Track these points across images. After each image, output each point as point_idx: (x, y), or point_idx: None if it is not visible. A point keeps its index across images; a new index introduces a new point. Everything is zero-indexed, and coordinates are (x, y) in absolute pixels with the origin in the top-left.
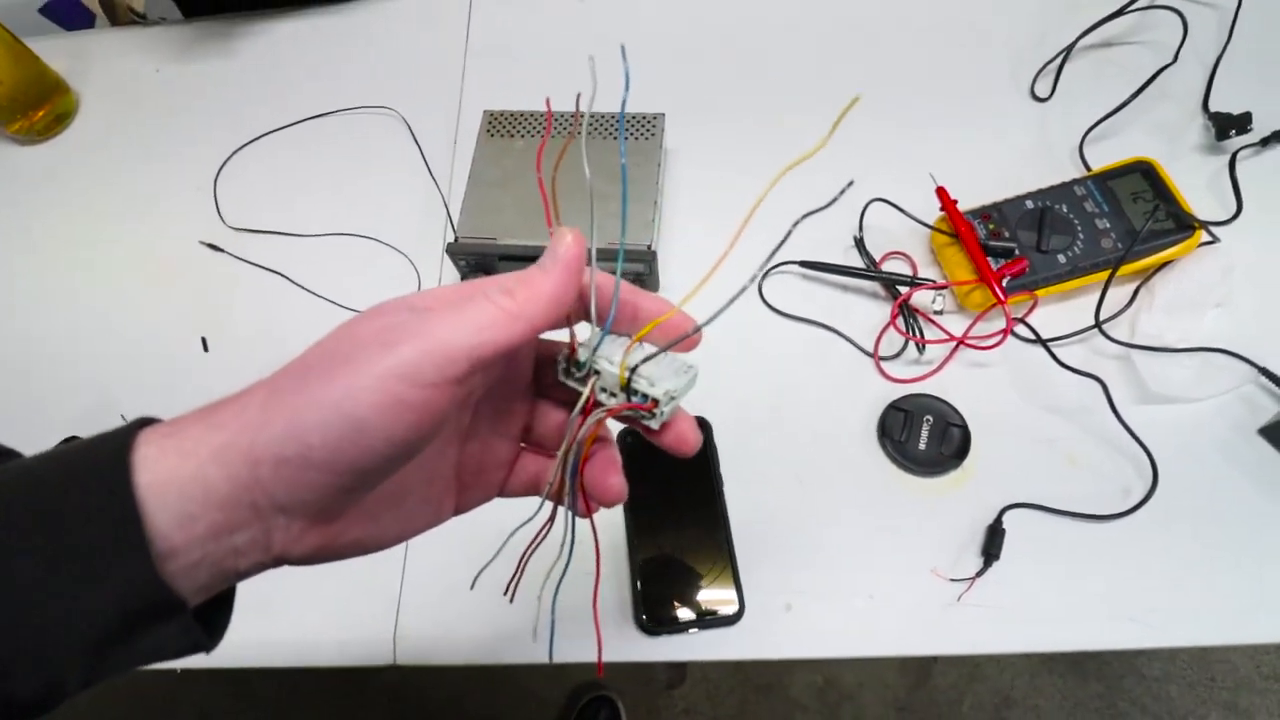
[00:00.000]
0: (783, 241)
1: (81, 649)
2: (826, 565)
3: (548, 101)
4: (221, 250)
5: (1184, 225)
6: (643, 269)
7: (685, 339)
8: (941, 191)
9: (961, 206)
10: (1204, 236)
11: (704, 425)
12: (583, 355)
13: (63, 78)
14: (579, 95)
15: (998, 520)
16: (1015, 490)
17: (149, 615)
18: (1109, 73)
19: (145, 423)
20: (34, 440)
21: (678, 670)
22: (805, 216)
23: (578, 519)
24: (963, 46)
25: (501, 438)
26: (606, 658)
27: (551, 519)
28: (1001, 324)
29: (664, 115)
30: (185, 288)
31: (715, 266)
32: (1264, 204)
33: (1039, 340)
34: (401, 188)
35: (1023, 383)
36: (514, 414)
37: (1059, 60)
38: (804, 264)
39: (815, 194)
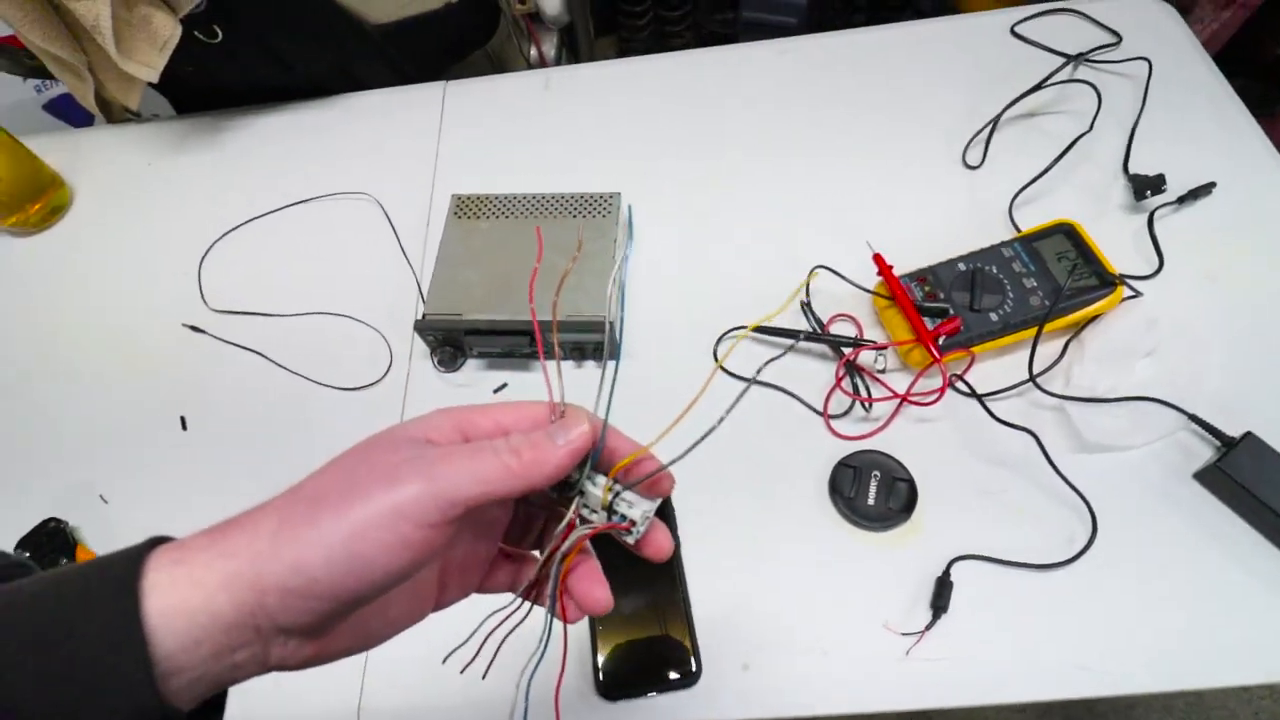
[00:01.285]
0: (730, 408)
1: None
2: (782, 622)
3: (538, 231)
4: (203, 332)
5: (1106, 281)
6: (600, 338)
7: (655, 475)
8: (878, 258)
9: (900, 270)
10: (1127, 291)
11: None
12: (572, 477)
13: (58, 173)
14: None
15: (945, 573)
16: (962, 542)
17: None
18: (1034, 140)
19: (157, 542)
20: (16, 521)
21: None
22: (748, 387)
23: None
24: (901, 122)
25: (483, 541)
26: None
27: (527, 611)
28: (940, 380)
29: (620, 194)
30: (167, 369)
31: (684, 413)
32: (1183, 259)
33: (975, 395)
34: (376, 268)
35: (965, 437)
36: (497, 520)
37: (988, 131)
38: (756, 328)
39: (765, 264)
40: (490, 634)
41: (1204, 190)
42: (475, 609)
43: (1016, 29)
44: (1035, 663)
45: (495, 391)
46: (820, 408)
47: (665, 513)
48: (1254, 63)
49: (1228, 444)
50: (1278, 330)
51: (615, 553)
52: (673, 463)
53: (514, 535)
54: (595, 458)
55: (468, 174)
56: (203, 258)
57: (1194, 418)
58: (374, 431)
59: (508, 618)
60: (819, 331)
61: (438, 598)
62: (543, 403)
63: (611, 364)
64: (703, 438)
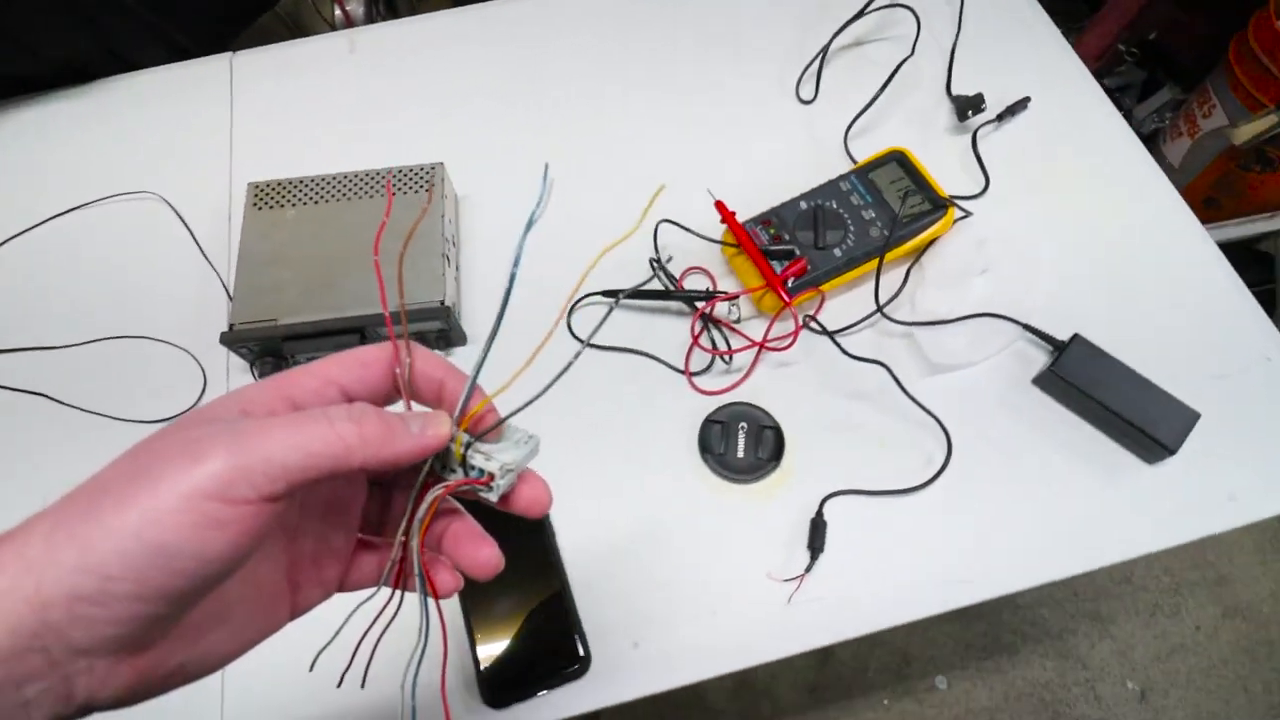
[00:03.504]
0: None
1: None
2: (666, 592)
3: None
4: None
5: (938, 205)
6: (440, 324)
7: (499, 425)
8: (719, 205)
9: (745, 215)
10: (958, 213)
11: None
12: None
13: None
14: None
15: (818, 513)
16: (831, 480)
17: None
18: (863, 69)
19: None
20: None
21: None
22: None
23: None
24: (733, 60)
25: (335, 529)
26: None
27: (393, 600)
28: (795, 324)
29: (443, 164)
30: None
31: (525, 365)
32: (1006, 175)
33: (826, 333)
34: (173, 277)
35: (823, 376)
36: (349, 503)
37: (817, 63)
38: (605, 293)
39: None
40: (364, 635)
41: (1020, 106)
42: (340, 606)
43: None
44: (913, 583)
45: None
46: (681, 366)
47: None
48: None
49: (1059, 348)
50: (1096, 235)
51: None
52: (513, 414)
53: (373, 521)
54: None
55: (269, 158)
56: None
57: (1027, 327)
58: None
59: (379, 613)
60: (670, 289)
61: (292, 600)
62: (377, 345)
63: (464, 351)
64: (539, 394)
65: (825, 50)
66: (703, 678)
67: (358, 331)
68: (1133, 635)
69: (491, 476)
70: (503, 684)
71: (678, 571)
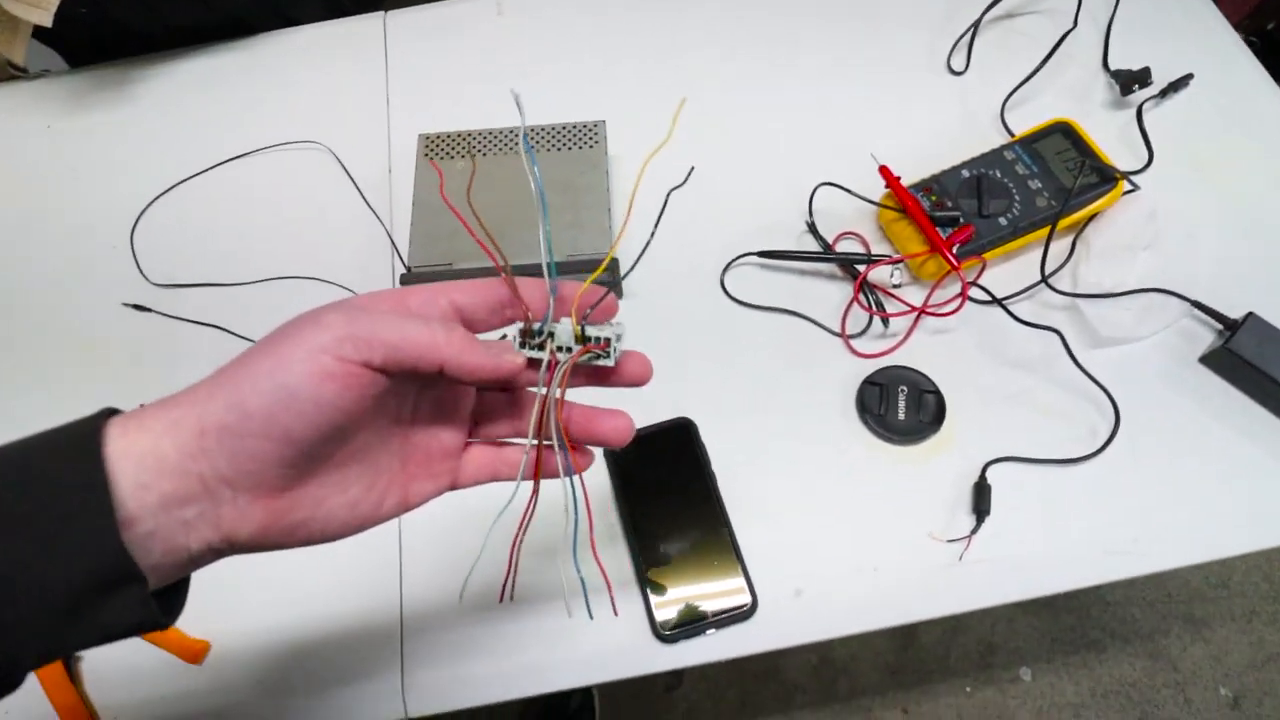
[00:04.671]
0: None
1: (45, 616)
2: (828, 545)
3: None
4: (149, 310)
5: (1107, 178)
6: (610, 276)
7: (603, 301)
8: (885, 170)
9: (903, 183)
10: (1125, 186)
11: (688, 424)
12: (537, 325)
13: None
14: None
15: (982, 477)
16: (993, 446)
17: (110, 584)
18: (1016, 42)
19: (112, 412)
20: None
21: (674, 673)
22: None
23: (570, 478)
24: (879, 31)
25: (447, 426)
26: (629, 672)
27: (535, 497)
28: (955, 290)
29: (604, 122)
30: (113, 356)
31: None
32: (1171, 149)
33: (995, 300)
34: (338, 223)
35: (985, 343)
36: (458, 403)
37: (969, 35)
38: (762, 254)
39: (760, 184)
40: (512, 550)
41: (1182, 82)
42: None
43: None
44: (1074, 552)
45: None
46: (838, 329)
47: (696, 450)
48: None
49: (1231, 326)
50: (1265, 214)
51: (651, 497)
52: (608, 292)
53: (484, 415)
54: (551, 306)
55: (424, 112)
56: (133, 227)
57: (1197, 304)
58: None
59: (522, 523)
60: (830, 251)
61: (405, 489)
62: (498, 280)
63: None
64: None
65: (977, 23)
66: (867, 629)
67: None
68: (1228, 640)
69: (608, 341)
70: (672, 620)
71: (838, 527)
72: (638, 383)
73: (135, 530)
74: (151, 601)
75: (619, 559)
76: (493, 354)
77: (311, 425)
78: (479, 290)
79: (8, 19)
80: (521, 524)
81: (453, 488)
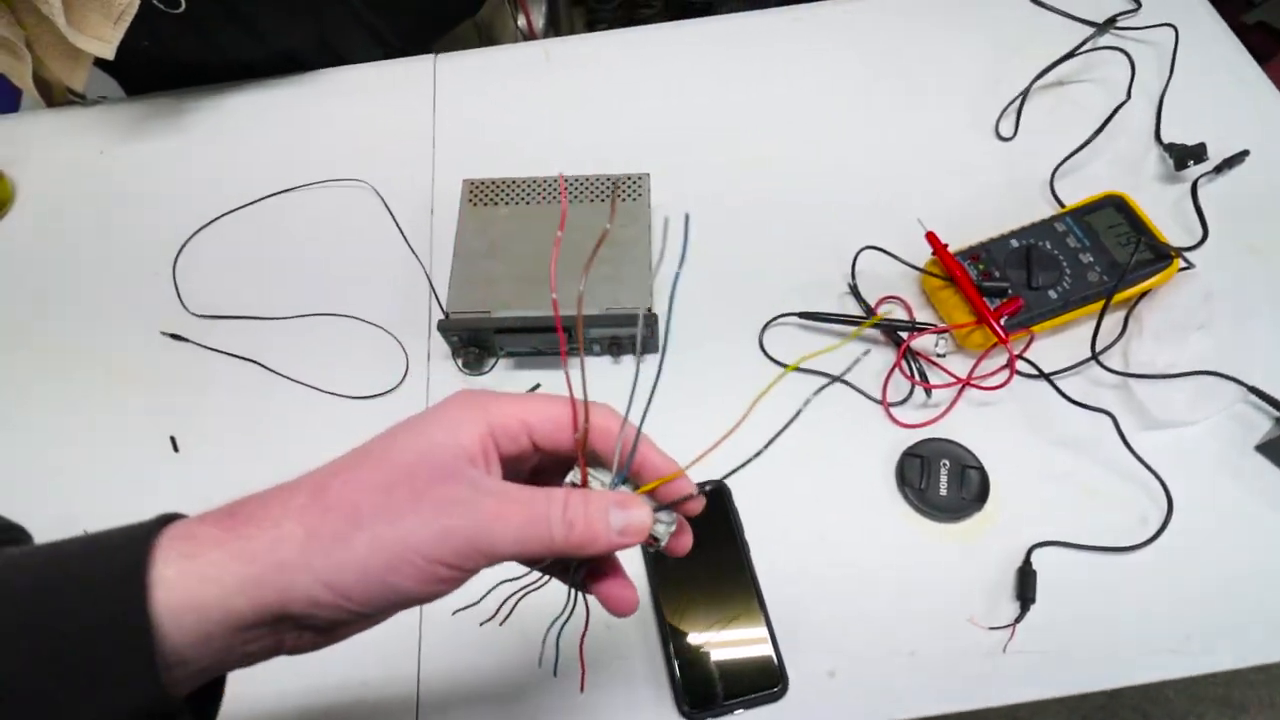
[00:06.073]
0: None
1: None
2: (864, 623)
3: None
4: (186, 340)
5: (1161, 255)
6: (646, 333)
7: (686, 500)
8: (931, 236)
9: (949, 249)
10: (1180, 264)
11: (723, 489)
12: (595, 486)
13: None
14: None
15: (1027, 561)
16: (1039, 529)
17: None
18: (1066, 111)
19: (165, 520)
20: None
21: None
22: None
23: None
24: (926, 93)
25: None
26: None
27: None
28: (1000, 362)
29: (648, 175)
30: (148, 384)
31: (727, 435)
32: (1226, 228)
33: (1044, 376)
34: (378, 263)
35: (1031, 419)
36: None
37: (1018, 102)
38: (803, 315)
39: (801, 245)
40: (510, 596)
41: (1238, 159)
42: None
43: None
44: (1122, 649)
45: (529, 392)
46: (876, 395)
47: (729, 517)
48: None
49: None
50: None
51: (682, 566)
52: (715, 483)
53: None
54: (622, 476)
55: (470, 157)
56: (176, 256)
57: (1253, 389)
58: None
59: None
60: (873, 316)
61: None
62: (564, 399)
63: (653, 359)
64: (748, 460)
65: (1027, 90)
66: (900, 717)
67: (567, 330)
68: None
69: (656, 540)
70: (699, 696)
71: (875, 605)
72: (673, 555)
73: (187, 669)
74: None
75: (647, 629)
76: (615, 535)
77: (407, 607)
78: (553, 432)
79: (70, 48)
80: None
81: None
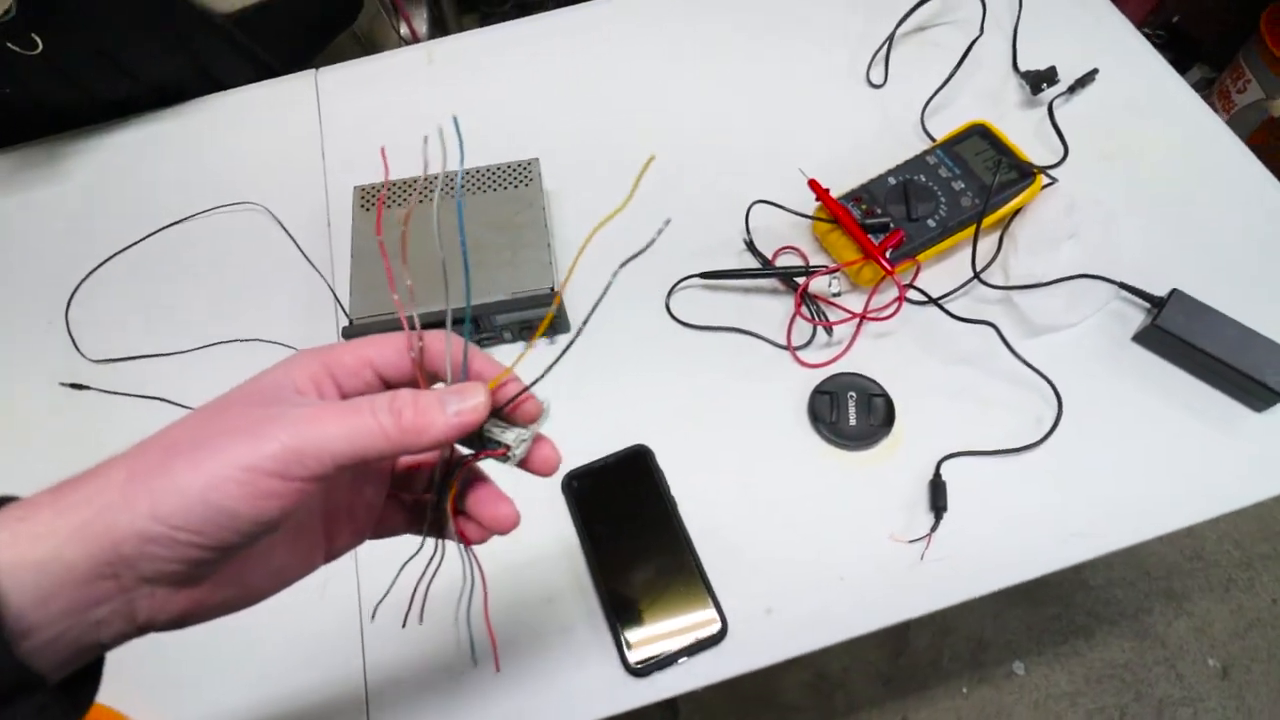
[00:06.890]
0: (601, 296)
1: None
2: (793, 559)
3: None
4: (86, 387)
5: (1025, 173)
6: (552, 311)
7: (522, 400)
8: (814, 183)
9: (833, 193)
10: (1044, 180)
11: (644, 451)
12: None
13: None
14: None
15: (936, 474)
16: (944, 443)
17: (5, 695)
18: (929, 53)
19: (3, 502)
20: None
21: (669, 707)
22: (624, 263)
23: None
24: (801, 49)
25: (368, 484)
26: (605, 711)
27: (437, 551)
28: (893, 294)
29: (538, 159)
30: (52, 437)
31: (539, 330)
32: (1084, 142)
33: (931, 300)
34: (279, 281)
35: (925, 342)
36: (382, 464)
37: (885, 49)
38: (704, 275)
39: (695, 207)
40: (418, 583)
41: (1089, 78)
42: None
43: None
44: (1034, 540)
45: None
46: (783, 342)
47: (653, 477)
48: None
49: (1158, 304)
50: (1177, 196)
51: (613, 529)
52: (534, 384)
53: (403, 475)
54: (463, 373)
55: (361, 166)
56: (68, 303)
57: (1124, 285)
58: None
59: (428, 564)
60: (769, 266)
61: (328, 545)
62: (403, 333)
63: (564, 339)
64: (561, 354)
65: (891, 37)
66: (839, 639)
67: (473, 321)
68: (1209, 612)
69: (507, 447)
70: (645, 654)
71: (801, 539)
72: (541, 474)
73: (36, 638)
74: (53, 704)
75: (586, 595)
76: (451, 416)
77: (246, 535)
78: (397, 361)
79: None
80: (428, 569)
81: (372, 538)
